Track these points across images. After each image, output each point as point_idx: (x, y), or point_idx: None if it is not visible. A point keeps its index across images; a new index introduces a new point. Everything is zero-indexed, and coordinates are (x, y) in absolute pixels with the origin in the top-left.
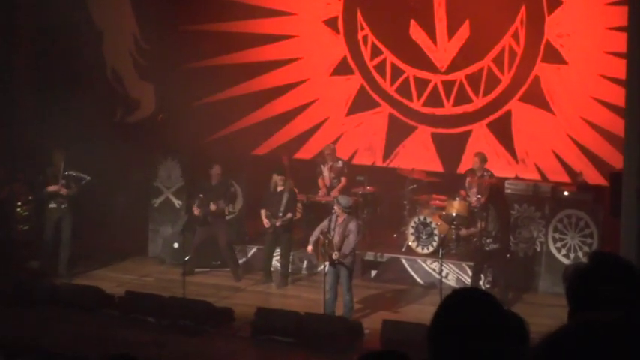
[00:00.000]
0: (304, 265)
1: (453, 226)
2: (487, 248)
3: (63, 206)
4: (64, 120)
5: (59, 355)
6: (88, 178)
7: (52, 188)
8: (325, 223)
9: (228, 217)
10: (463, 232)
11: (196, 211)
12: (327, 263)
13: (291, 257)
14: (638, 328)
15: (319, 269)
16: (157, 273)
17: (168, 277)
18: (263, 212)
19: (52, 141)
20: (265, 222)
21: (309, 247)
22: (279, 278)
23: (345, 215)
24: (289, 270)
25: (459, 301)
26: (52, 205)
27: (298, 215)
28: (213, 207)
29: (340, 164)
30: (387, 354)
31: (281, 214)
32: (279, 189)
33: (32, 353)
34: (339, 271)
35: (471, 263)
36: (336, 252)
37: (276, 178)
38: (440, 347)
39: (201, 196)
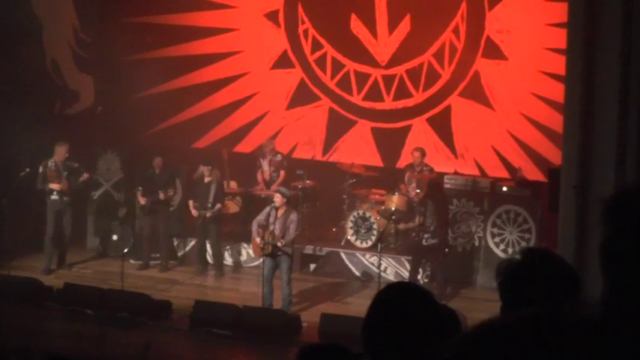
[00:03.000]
0: (243, 259)
1: (391, 221)
2: (425, 243)
3: (65, 198)
4: (3, 112)
5: None
6: (87, 175)
7: (54, 186)
8: (261, 216)
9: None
10: (402, 226)
11: (142, 201)
12: (264, 256)
13: (229, 250)
14: (565, 325)
15: (258, 262)
16: (95, 265)
17: (107, 270)
18: (191, 203)
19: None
20: (194, 212)
21: (258, 240)
22: (215, 269)
23: (285, 207)
24: (224, 260)
25: (392, 295)
26: (54, 197)
27: (237, 208)
28: (162, 196)
29: (279, 157)
30: (327, 348)
31: (210, 205)
32: (206, 180)
33: None
34: (279, 264)
35: (410, 258)
36: (281, 240)
37: (203, 168)
38: (373, 340)
39: (140, 188)
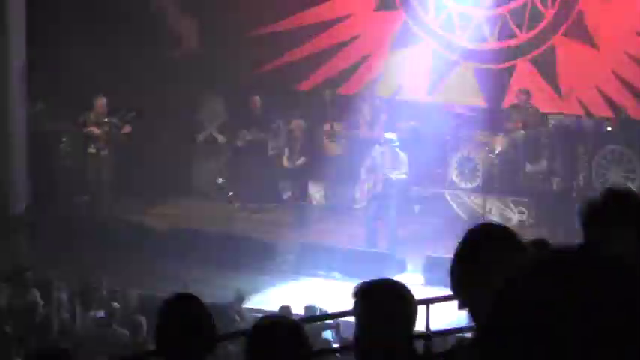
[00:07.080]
0: (347, 200)
1: (496, 162)
2: (531, 184)
3: (102, 152)
4: (108, 57)
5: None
6: (133, 113)
7: (91, 129)
8: (368, 162)
9: (270, 153)
10: (506, 167)
11: (240, 143)
12: (371, 198)
13: (334, 192)
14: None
15: (363, 204)
16: (199, 208)
17: (211, 213)
18: (286, 150)
19: (95, 78)
20: (285, 163)
21: (364, 176)
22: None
23: (392, 149)
24: (329, 202)
25: (475, 235)
26: (91, 150)
27: (340, 150)
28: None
29: (377, 102)
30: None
31: (296, 156)
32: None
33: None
34: (384, 206)
35: (515, 198)
36: (395, 172)
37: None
38: (455, 278)
39: (244, 130)
